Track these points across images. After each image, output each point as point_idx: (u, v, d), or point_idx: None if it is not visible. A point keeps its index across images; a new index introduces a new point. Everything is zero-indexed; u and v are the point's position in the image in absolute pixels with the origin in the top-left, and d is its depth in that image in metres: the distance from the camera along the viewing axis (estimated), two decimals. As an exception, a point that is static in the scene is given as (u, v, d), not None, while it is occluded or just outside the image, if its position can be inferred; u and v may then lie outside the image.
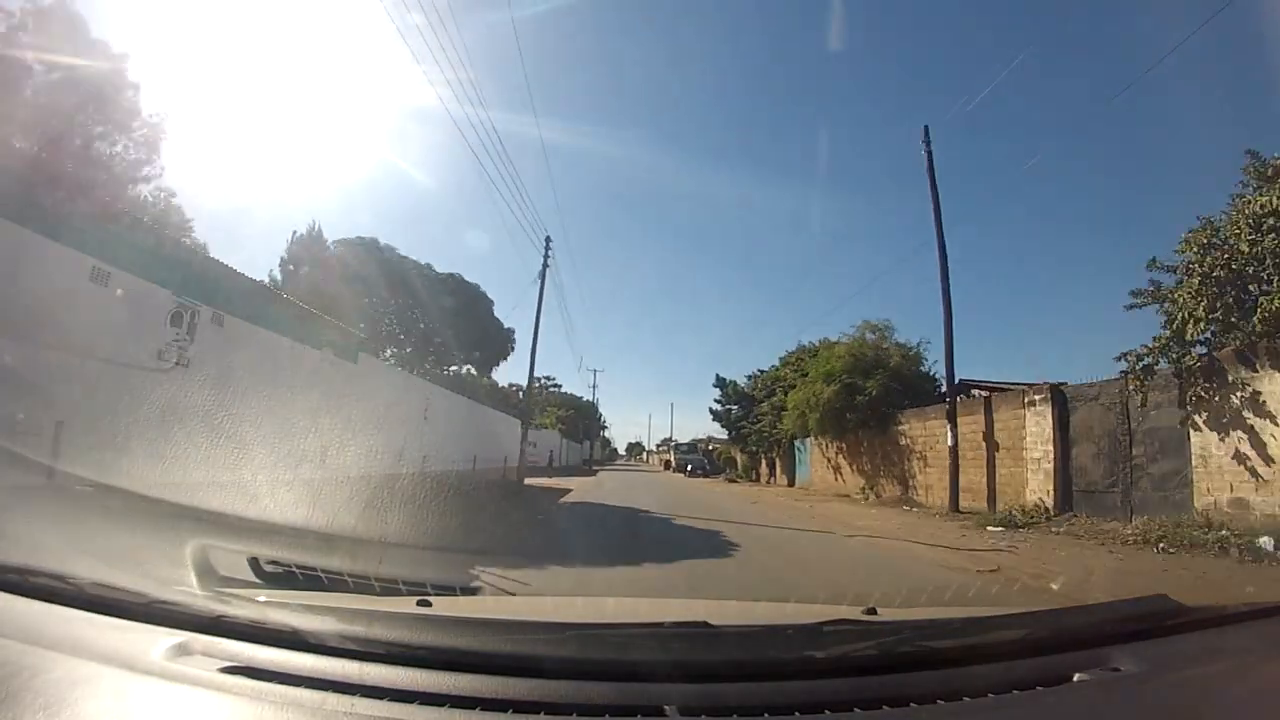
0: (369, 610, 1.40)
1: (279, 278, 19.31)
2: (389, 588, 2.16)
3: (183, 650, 1.16)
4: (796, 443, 30.31)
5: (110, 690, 1.05)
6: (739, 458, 42.14)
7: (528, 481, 22.40)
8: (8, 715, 0.93)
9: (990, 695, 1.09)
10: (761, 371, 35.79)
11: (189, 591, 1.41)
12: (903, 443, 20.44)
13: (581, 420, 58.77)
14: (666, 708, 1.02)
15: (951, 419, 16.66)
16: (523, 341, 23.73)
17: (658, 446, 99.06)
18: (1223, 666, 1.26)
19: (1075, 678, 1.16)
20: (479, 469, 18.25)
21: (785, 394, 30.03)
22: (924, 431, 19.44)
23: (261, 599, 1.45)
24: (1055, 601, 4.93)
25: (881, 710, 1.04)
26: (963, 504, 16.07)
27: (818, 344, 29.41)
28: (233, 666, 1.12)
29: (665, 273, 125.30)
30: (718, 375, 38.06)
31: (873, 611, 1.57)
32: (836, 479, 25.28)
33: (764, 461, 35.35)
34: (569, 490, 20.55)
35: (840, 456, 24.97)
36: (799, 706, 1.03)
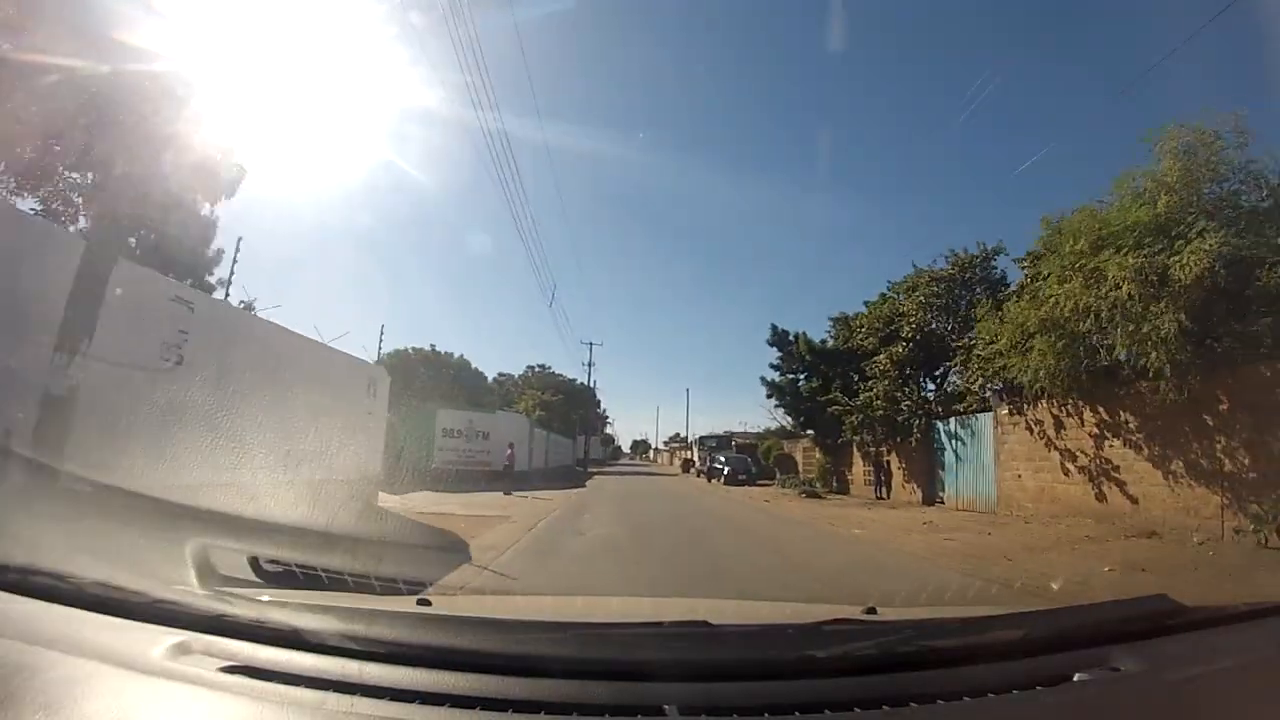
0: (369, 610, 1.38)
1: None
2: (389, 587, 2.21)
3: (183, 650, 1.15)
4: (949, 426, 16.57)
5: (110, 690, 1.04)
6: (801, 455, 28.23)
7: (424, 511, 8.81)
8: (8, 715, 0.93)
9: (990, 695, 1.08)
10: (848, 315, 22.02)
11: (189, 591, 1.40)
12: None
13: (574, 408, 44.94)
14: (666, 707, 1.00)
15: None
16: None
17: (667, 443, 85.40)
18: (1223, 666, 1.25)
19: (1075, 678, 1.15)
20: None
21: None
22: None
23: (262, 599, 1.44)
24: (1055, 601, 4.59)
25: (881, 710, 1.02)
26: None
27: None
28: (233, 666, 1.11)
29: (670, 253, 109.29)
30: (774, 328, 24.17)
31: (873, 611, 1.52)
32: (1100, 495, 11.55)
33: (859, 461, 21.54)
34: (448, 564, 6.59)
35: (1118, 439, 11.17)
36: (799, 706, 1.01)
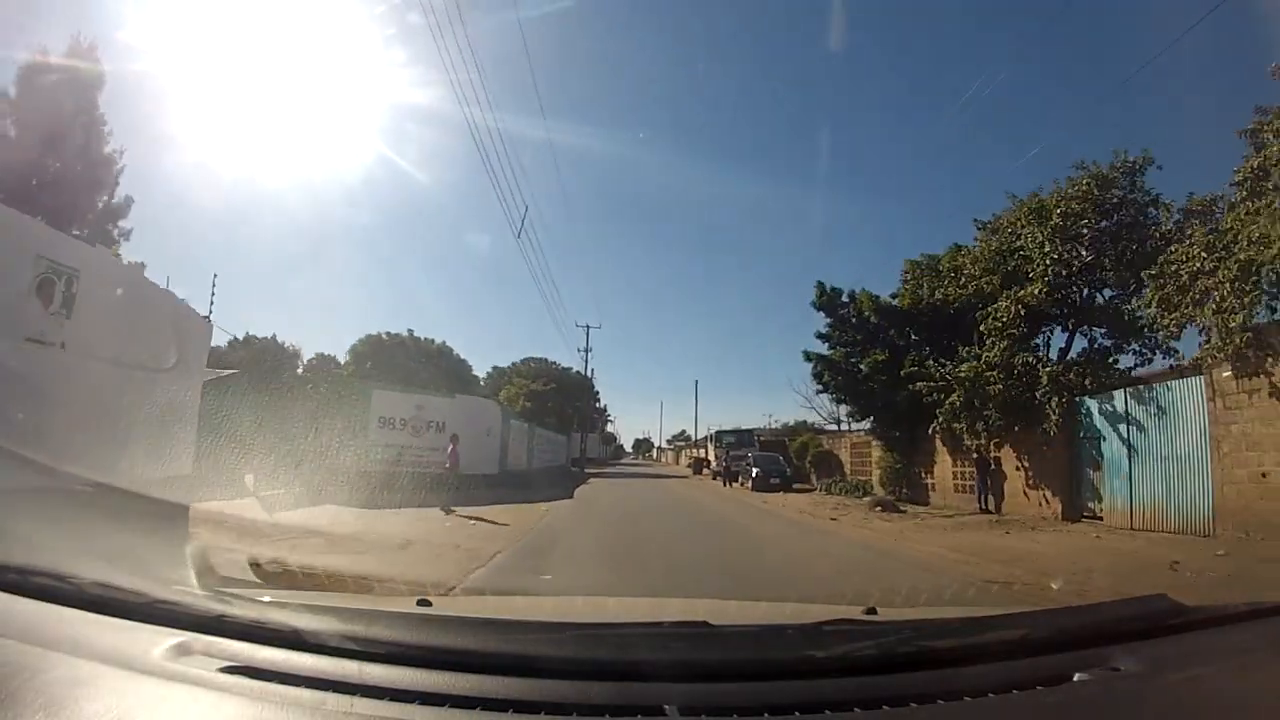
0: (369, 610, 1.39)
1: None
2: (389, 587, 2.21)
3: (183, 650, 1.14)
4: (1109, 403, 11.18)
5: (110, 690, 1.02)
6: (849, 453, 22.71)
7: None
8: (8, 715, 0.92)
9: (990, 695, 1.07)
10: (934, 256, 16.60)
11: (189, 591, 1.38)
12: None
13: (570, 401, 39.42)
14: (666, 707, 0.99)
15: None
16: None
17: (670, 441, 79.44)
18: (1223, 666, 1.23)
19: (1075, 678, 1.13)
20: None
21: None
22: None
23: (262, 599, 1.43)
24: (1055, 601, 4.57)
25: (881, 710, 1.01)
26: None
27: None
28: (233, 666, 1.10)
29: (667, 244, 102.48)
30: (822, 286, 18.59)
31: (873, 611, 1.52)
32: None
33: (946, 459, 16.05)
34: None
35: None
36: (799, 706, 1.00)
